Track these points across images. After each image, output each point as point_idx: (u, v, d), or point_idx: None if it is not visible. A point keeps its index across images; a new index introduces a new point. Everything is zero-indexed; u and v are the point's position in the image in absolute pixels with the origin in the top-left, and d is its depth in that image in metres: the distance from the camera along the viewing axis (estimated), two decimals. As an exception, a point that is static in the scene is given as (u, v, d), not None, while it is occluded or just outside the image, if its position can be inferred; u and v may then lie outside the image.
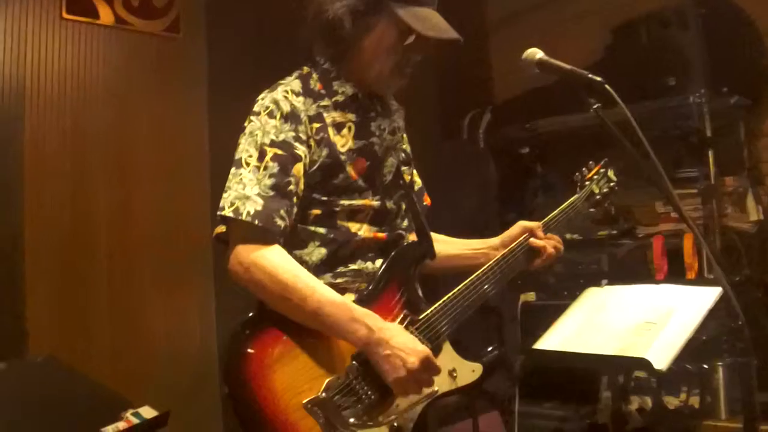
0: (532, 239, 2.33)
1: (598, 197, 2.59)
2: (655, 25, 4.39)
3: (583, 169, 2.60)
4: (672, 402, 3.70)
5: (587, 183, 2.58)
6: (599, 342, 2.81)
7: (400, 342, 1.89)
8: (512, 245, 2.32)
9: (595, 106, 2.04)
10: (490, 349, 2.20)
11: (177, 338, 3.93)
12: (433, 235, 2.42)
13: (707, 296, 2.74)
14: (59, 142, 3.69)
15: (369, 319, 1.91)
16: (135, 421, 2.65)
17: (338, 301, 1.92)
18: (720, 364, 3.48)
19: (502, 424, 4.42)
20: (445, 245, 2.44)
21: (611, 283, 3.44)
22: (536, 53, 2.15)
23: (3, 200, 3.51)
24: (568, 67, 2.09)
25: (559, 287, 4.40)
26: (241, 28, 4.22)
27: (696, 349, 3.27)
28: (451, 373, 2.08)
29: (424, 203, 2.48)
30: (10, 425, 2.44)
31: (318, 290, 1.91)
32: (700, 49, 4.21)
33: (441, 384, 2.03)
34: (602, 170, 2.63)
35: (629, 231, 4.40)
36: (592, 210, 2.60)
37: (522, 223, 2.37)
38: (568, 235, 4.47)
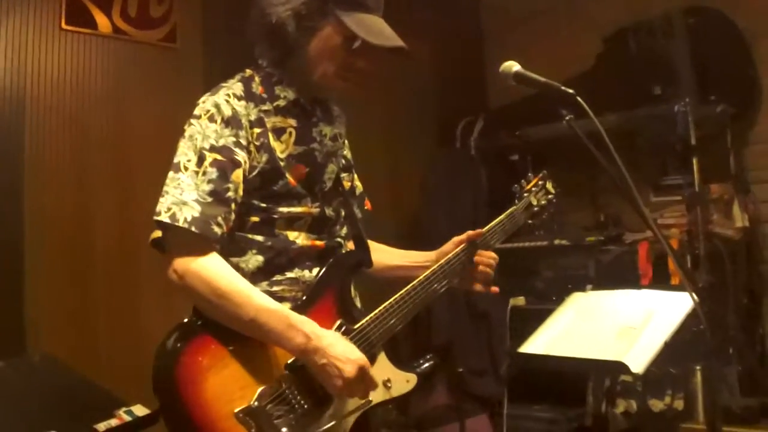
0: (476, 257, 2.31)
1: (536, 209, 2.58)
2: (643, 34, 4.44)
3: (522, 180, 2.59)
4: (657, 405, 3.75)
5: (525, 195, 2.56)
6: (582, 346, 2.86)
7: (337, 351, 1.86)
8: (442, 261, 2.26)
9: (567, 118, 2.09)
10: (423, 359, 2.18)
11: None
12: (374, 245, 2.39)
13: (684, 302, 2.80)
14: (59, 148, 3.73)
15: (306, 326, 1.88)
16: (127, 418, 2.67)
17: (275, 309, 1.89)
18: (697, 368, 3.53)
19: (491, 427, 4.47)
20: (385, 255, 2.41)
21: (597, 288, 3.50)
22: (512, 66, 2.16)
23: (4, 206, 3.54)
24: (542, 79, 2.12)
25: (547, 292, 4.45)
26: (237, 37, 4.26)
27: (678, 352, 3.32)
28: (386, 384, 2.06)
29: (366, 208, 2.42)
30: (6, 421, 2.48)
31: (254, 298, 1.88)
32: (687, 58, 4.26)
33: (375, 394, 2.00)
34: (540, 182, 2.62)
35: (617, 237, 4.45)
36: (529, 221, 2.59)
37: (455, 239, 2.33)
38: (556, 241, 4.55)
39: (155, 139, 4.04)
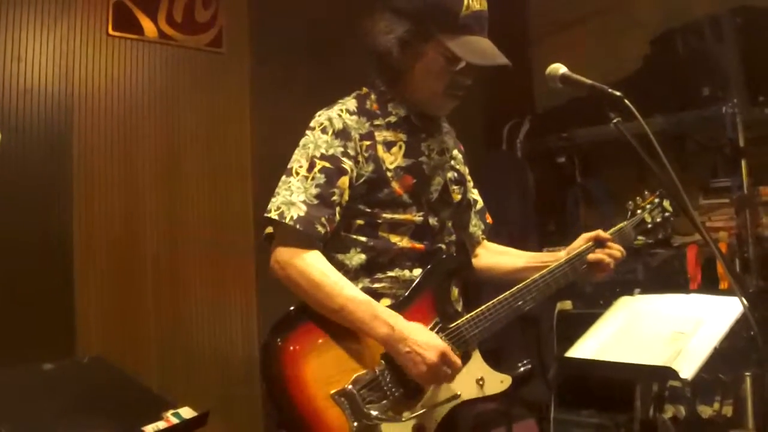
0: (590, 254, 2.33)
1: (649, 226, 2.56)
2: (690, 35, 4.39)
3: (637, 198, 2.59)
4: (706, 411, 3.70)
5: (639, 211, 2.55)
6: (630, 351, 2.84)
7: (419, 339, 1.98)
8: (570, 255, 2.32)
9: (615, 120, 2.08)
10: (521, 363, 2.26)
11: (220, 340, 3.99)
12: (501, 249, 2.57)
13: (734, 307, 2.76)
14: (107, 153, 3.77)
15: (391, 318, 2.01)
16: (175, 421, 2.70)
17: (362, 300, 2.04)
18: (747, 374, 3.47)
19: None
20: (511, 258, 2.52)
21: (645, 292, 3.46)
22: (559, 68, 2.18)
23: (54, 209, 3.59)
24: (589, 82, 2.12)
25: (595, 296, 4.40)
26: (283, 42, 4.28)
27: (728, 358, 3.28)
28: (479, 382, 2.14)
29: (487, 221, 2.58)
30: (56, 423, 2.52)
31: (345, 289, 2.04)
32: (736, 59, 4.21)
33: (467, 390, 2.12)
34: (656, 200, 2.60)
35: (665, 240, 4.39)
36: (640, 238, 2.56)
37: (584, 235, 2.38)
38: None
39: (202, 142, 4.08)
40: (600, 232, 2.37)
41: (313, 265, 2.05)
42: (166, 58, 4.01)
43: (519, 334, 4.72)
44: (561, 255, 2.38)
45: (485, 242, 2.60)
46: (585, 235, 2.38)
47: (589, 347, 2.96)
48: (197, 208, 4.00)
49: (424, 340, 1.99)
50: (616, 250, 2.36)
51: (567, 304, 4.51)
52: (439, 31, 2.13)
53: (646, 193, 2.62)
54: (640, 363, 2.74)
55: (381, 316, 2.01)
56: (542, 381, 4.59)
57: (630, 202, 2.59)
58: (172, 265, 3.93)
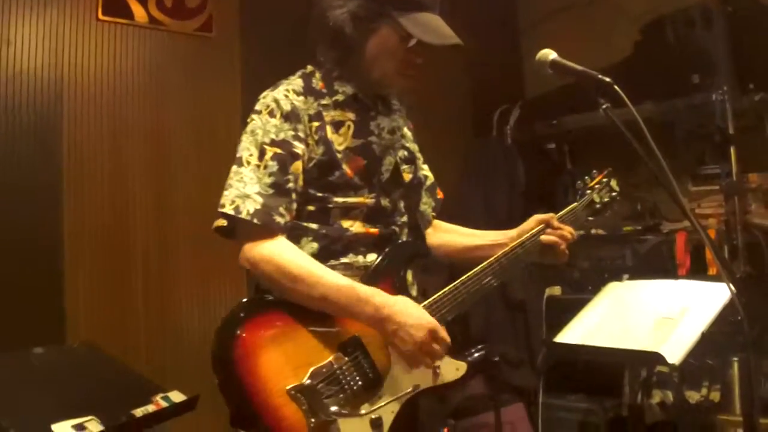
0: (542, 236, 2.34)
1: (598, 206, 2.58)
2: (680, 23, 4.39)
3: (586, 177, 2.60)
4: (693, 396, 3.73)
5: (588, 191, 2.57)
6: (618, 336, 2.86)
7: (407, 317, 1.95)
8: (522, 237, 2.32)
9: (604, 106, 2.08)
10: (475, 349, 2.23)
11: (209, 328, 4.00)
12: (451, 227, 2.53)
13: (722, 293, 2.78)
14: (96, 138, 3.76)
15: (375, 297, 1.98)
16: (164, 404, 2.72)
17: (343, 284, 1.99)
18: (735, 359, 3.50)
19: (527, 416, 4.46)
20: (463, 237, 2.50)
21: (634, 278, 3.48)
22: (549, 54, 2.17)
23: (43, 197, 3.58)
24: (579, 67, 2.12)
25: (583, 282, 4.43)
26: (274, 27, 4.27)
27: (716, 343, 3.30)
28: (435, 370, 2.10)
29: (438, 197, 2.51)
30: (46, 406, 2.53)
31: (324, 277, 1.98)
32: (725, 47, 4.21)
33: (424, 379, 2.08)
34: (605, 180, 2.62)
35: (654, 227, 4.41)
36: (590, 218, 2.60)
37: (536, 216, 2.38)
38: (593, 230, 4.52)
39: (192, 129, 4.07)
40: (551, 216, 2.37)
41: (287, 257, 1.99)
42: (156, 43, 3.99)
43: (506, 320, 4.75)
44: (512, 234, 2.38)
45: (434, 220, 2.55)
46: (536, 217, 2.38)
47: (577, 332, 2.98)
48: (187, 195, 3.99)
49: (413, 317, 1.96)
50: (567, 231, 2.37)
51: (556, 290, 4.53)
52: (393, 7, 2.08)
53: (594, 172, 2.64)
54: (628, 348, 2.76)
55: (364, 297, 1.97)
56: (530, 366, 4.61)
57: (579, 182, 2.60)
58: (161, 252, 3.93)
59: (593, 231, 4.52)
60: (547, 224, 2.36)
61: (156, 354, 3.81)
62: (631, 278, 3.48)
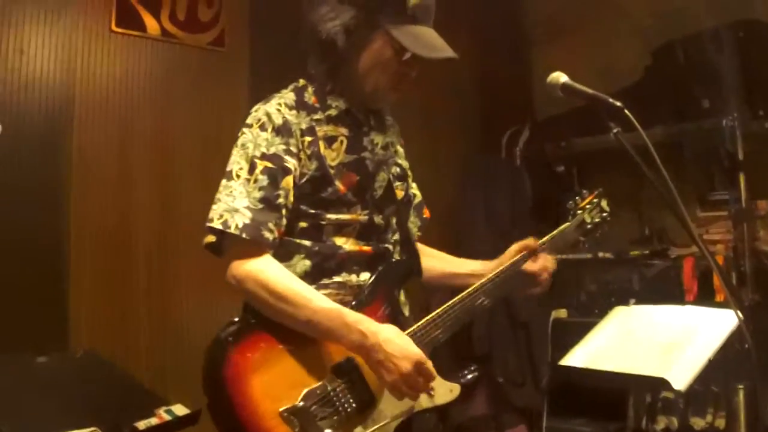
0: (525, 265, 2.32)
1: (588, 226, 2.57)
2: (692, 47, 4.39)
3: (576, 197, 2.59)
4: (698, 423, 3.71)
5: (579, 212, 2.56)
6: (624, 360, 2.83)
7: (394, 347, 1.89)
8: (502, 267, 2.30)
9: (615, 131, 2.07)
10: (468, 370, 2.20)
11: (210, 333, 3.98)
12: (432, 252, 2.47)
13: (729, 320, 2.76)
14: (105, 148, 3.76)
15: (362, 324, 1.92)
16: (167, 417, 2.70)
17: (330, 308, 1.93)
18: (740, 387, 3.47)
19: (529, 439, 4.45)
20: (442, 262, 2.45)
21: (640, 302, 3.47)
22: (560, 77, 2.15)
23: (51, 203, 3.58)
24: (590, 91, 2.10)
25: (590, 305, 4.43)
26: (284, 42, 4.27)
27: (722, 370, 3.28)
28: (429, 391, 2.04)
29: (424, 216, 2.46)
30: (49, 415, 2.52)
31: (312, 300, 1.93)
32: (736, 72, 4.21)
33: (417, 403, 2.04)
34: (595, 200, 2.61)
35: (662, 251, 4.40)
36: (581, 239, 2.58)
37: (516, 245, 2.35)
38: (600, 254, 4.52)
39: (201, 141, 4.07)
40: (531, 241, 2.35)
41: (273, 276, 1.94)
42: (167, 55, 3.99)
43: (511, 341, 4.73)
44: (491, 265, 2.35)
45: (417, 243, 2.46)
46: (517, 245, 2.35)
47: (583, 356, 2.96)
48: (191, 203, 3.99)
49: (399, 348, 1.90)
50: (549, 261, 2.36)
51: (562, 312, 4.52)
52: (386, 20, 2.04)
53: (584, 192, 2.63)
54: (634, 373, 2.74)
55: (352, 323, 1.92)
56: (534, 388, 4.60)
57: (570, 202, 2.59)
58: (165, 261, 3.92)
59: (601, 254, 4.52)
60: (530, 251, 2.34)
61: (157, 358, 3.80)
62: (637, 303, 3.46)
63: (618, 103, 2.02)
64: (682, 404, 3.72)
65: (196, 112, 4.06)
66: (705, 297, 3.96)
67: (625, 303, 3.39)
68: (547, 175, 5.00)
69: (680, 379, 2.55)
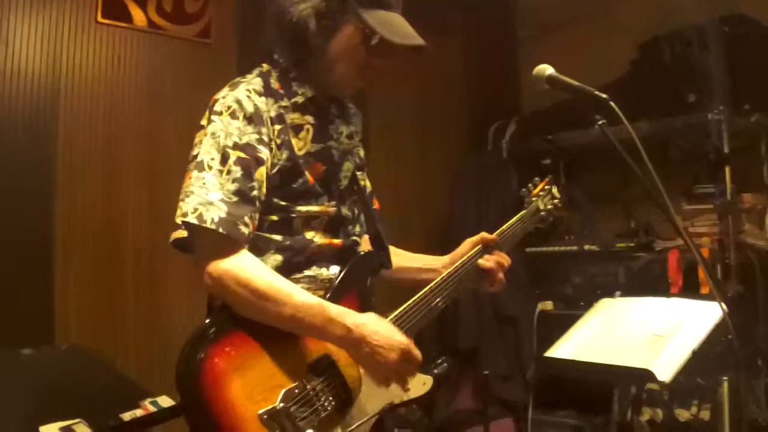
0: (480, 260, 2.27)
1: (542, 213, 2.57)
2: (678, 42, 4.41)
3: (529, 185, 2.58)
4: (683, 415, 3.73)
5: (533, 200, 2.55)
6: (609, 352, 2.86)
7: (379, 338, 1.86)
8: (459, 261, 2.25)
9: (600, 123, 2.07)
10: (439, 361, 2.18)
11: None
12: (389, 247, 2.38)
13: (713, 312, 2.78)
14: (91, 141, 3.74)
15: (346, 317, 1.87)
16: (152, 409, 2.70)
17: (313, 304, 1.87)
18: (725, 378, 3.49)
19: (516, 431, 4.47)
20: (398, 257, 2.37)
21: (626, 295, 3.49)
22: (546, 69, 2.15)
23: (37, 197, 3.56)
24: (576, 83, 2.10)
25: (576, 297, 4.45)
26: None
27: (706, 362, 3.30)
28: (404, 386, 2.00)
29: (374, 207, 2.36)
30: (35, 407, 2.51)
31: (294, 296, 1.85)
32: (722, 66, 4.23)
33: (394, 396, 2.02)
34: (547, 187, 2.61)
35: (647, 244, 4.42)
36: (538, 225, 2.59)
37: (469, 240, 2.32)
38: (586, 246, 4.54)
39: (187, 134, 4.03)
40: (484, 235, 2.31)
41: (253, 273, 1.84)
42: (154, 47, 3.98)
43: (497, 334, 4.75)
44: (445, 260, 2.33)
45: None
46: (470, 240, 2.31)
47: (568, 348, 2.98)
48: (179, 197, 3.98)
49: (384, 338, 1.86)
50: (504, 258, 2.32)
51: (548, 305, 4.54)
52: (357, 3, 1.98)
53: (536, 179, 2.62)
54: (619, 365, 2.76)
55: (335, 318, 1.86)
56: (519, 381, 4.62)
57: (524, 190, 2.58)
58: (152, 256, 3.91)
59: (586, 247, 4.54)
60: (484, 246, 2.30)
61: (145, 354, 3.79)
62: (623, 295, 3.47)
63: (603, 95, 2.02)
64: (667, 396, 3.73)
65: (184, 105, 4.03)
66: (690, 289, 3.98)
67: (611, 295, 3.41)
68: (534, 168, 5.00)
69: (665, 370, 2.58)
